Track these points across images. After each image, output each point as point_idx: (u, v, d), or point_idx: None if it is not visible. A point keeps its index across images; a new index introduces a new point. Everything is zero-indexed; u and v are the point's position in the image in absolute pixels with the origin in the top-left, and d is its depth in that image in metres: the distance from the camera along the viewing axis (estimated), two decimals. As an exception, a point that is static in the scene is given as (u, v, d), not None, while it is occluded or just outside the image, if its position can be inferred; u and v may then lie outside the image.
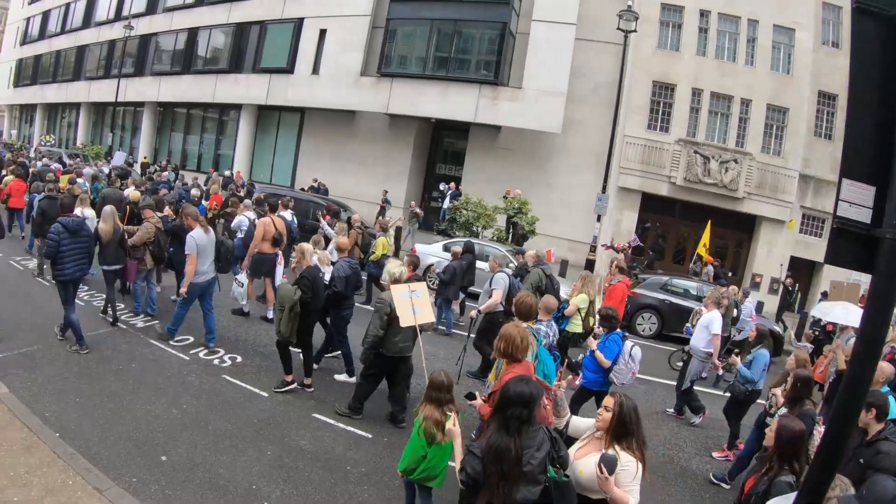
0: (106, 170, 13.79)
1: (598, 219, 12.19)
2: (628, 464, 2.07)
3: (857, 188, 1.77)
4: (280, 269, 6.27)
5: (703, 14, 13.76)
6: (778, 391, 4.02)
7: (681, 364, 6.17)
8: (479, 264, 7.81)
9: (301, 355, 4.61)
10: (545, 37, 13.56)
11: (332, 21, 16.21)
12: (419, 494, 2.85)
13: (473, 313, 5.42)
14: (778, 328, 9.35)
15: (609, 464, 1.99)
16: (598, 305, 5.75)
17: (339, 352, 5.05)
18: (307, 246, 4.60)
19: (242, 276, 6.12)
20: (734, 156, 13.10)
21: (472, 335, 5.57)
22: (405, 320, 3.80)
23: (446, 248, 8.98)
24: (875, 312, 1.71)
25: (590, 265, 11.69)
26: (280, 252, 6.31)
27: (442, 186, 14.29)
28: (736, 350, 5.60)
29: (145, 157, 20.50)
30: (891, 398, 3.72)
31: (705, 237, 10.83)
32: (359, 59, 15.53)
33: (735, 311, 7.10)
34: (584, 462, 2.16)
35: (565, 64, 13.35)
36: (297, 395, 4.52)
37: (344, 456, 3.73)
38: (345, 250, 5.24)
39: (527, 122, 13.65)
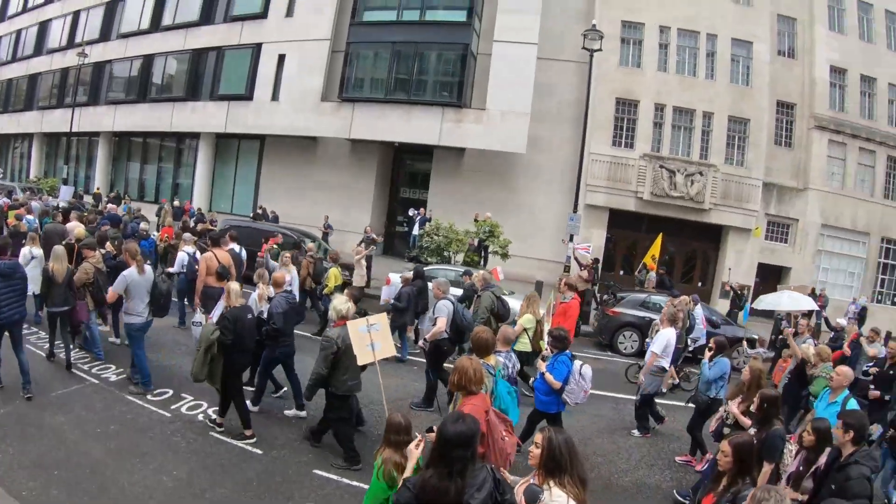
0: (54, 203, 12.88)
1: (571, 238, 11.94)
2: (558, 498, 1.97)
3: None
4: (221, 303, 5.89)
5: (663, 30, 13.94)
6: (732, 405, 3.96)
7: (637, 378, 6.16)
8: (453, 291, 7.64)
9: (233, 403, 4.32)
10: (507, 57, 13.43)
11: (290, 46, 15.79)
12: None
13: (421, 342, 5.53)
14: (754, 334, 9.17)
15: (530, 497, 1.94)
16: (546, 326, 5.71)
17: (285, 388, 4.97)
18: (234, 286, 4.41)
19: (199, 316, 5.73)
20: (699, 168, 13.13)
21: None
22: (363, 357, 3.64)
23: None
24: None
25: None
26: (225, 287, 5.99)
27: (411, 212, 13.88)
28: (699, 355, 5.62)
29: (98, 188, 19.45)
30: (853, 401, 3.83)
31: (654, 250, 10.80)
32: (319, 84, 15.10)
33: (688, 320, 7.10)
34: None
35: (528, 84, 13.22)
36: (292, 450, 4.22)
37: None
38: (281, 284, 4.99)
39: (491, 144, 13.41)
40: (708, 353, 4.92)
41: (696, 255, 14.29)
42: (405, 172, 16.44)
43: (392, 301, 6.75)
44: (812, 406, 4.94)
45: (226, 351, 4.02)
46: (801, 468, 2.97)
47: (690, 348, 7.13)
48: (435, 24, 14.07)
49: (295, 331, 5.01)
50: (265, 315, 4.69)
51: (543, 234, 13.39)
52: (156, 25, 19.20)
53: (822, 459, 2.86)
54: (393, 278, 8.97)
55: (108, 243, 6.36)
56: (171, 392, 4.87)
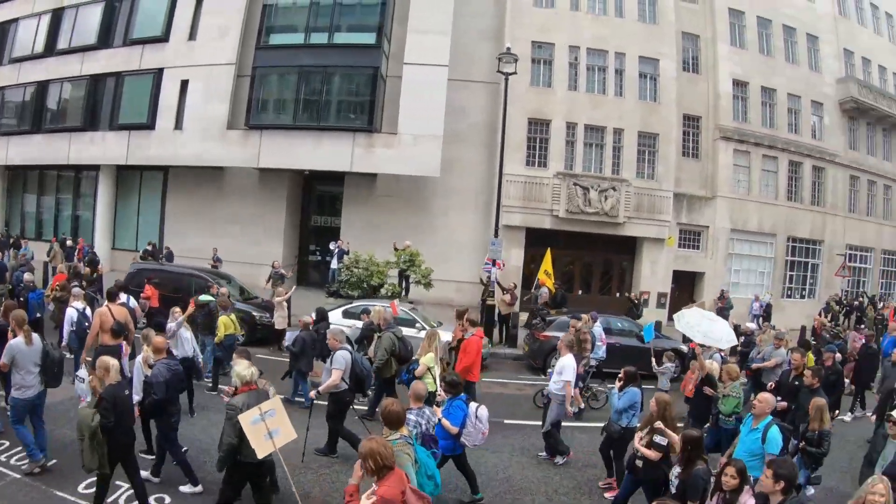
0: None
1: (494, 263, 11.67)
2: None
3: None
4: (125, 361, 5.51)
5: (573, 49, 14.17)
6: (637, 439, 4.03)
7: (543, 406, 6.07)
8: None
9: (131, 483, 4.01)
10: (417, 79, 13.12)
11: (194, 71, 14.79)
12: None
13: (313, 394, 5.26)
14: (683, 347, 9.16)
15: None
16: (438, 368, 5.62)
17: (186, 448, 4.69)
18: (110, 361, 3.98)
19: (83, 371, 5.17)
20: (612, 183, 13.34)
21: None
22: (262, 450, 3.48)
23: (347, 314, 8.67)
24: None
25: (489, 310, 11.01)
26: (125, 343, 5.65)
27: (332, 246, 13.21)
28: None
29: (-8, 227, 17.41)
30: (775, 428, 3.81)
31: (546, 265, 10.86)
32: (224, 111, 14.17)
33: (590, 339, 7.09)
34: None
35: (439, 106, 12.95)
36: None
37: None
38: (161, 350, 4.63)
39: (405, 168, 13.03)
40: (618, 384, 4.94)
41: (613, 267, 14.58)
42: (316, 200, 15.81)
43: (286, 345, 6.61)
44: (720, 422, 5.08)
45: (108, 433, 3.76)
46: None
47: (594, 366, 7.21)
48: (343, 47, 13.60)
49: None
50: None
51: (460, 255, 13.12)
52: (50, 49, 17.55)
53: (744, 499, 2.90)
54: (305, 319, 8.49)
55: None
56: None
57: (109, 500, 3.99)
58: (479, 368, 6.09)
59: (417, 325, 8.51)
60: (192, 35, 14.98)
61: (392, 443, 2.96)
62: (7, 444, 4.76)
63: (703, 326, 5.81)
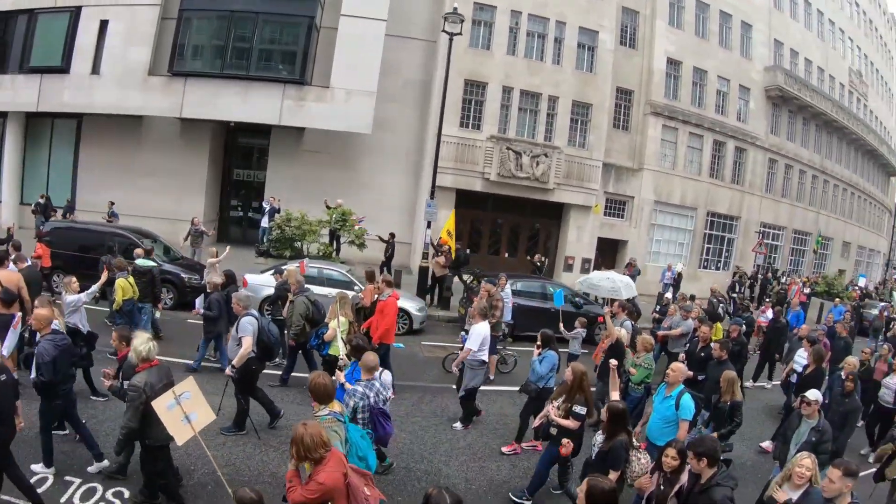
0: None
1: (429, 225, 11.73)
2: None
3: None
4: (14, 333, 4.75)
5: (514, 14, 14.16)
6: (552, 408, 4.01)
7: (457, 370, 6.02)
8: (321, 290, 7.23)
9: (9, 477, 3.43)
10: (354, 33, 12.72)
11: (115, 11, 13.57)
12: None
13: (228, 370, 4.74)
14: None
15: None
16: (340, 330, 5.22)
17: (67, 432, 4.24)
18: None
19: None
20: (544, 150, 13.68)
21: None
22: (181, 436, 3.22)
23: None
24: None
25: (423, 272, 11.12)
26: (17, 314, 4.85)
27: (264, 204, 12.74)
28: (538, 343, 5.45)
29: None
30: (687, 395, 3.89)
31: (449, 225, 10.95)
32: (146, 56, 13.18)
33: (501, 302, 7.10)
34: None
35: (375, 62, 12.68)
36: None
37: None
38: (47, 325, 3.92)
39: (336, 124, 12.72)
40: (536, 350, 4.93)
41: (539, 231, 15.02)
42: (239, 153, 15.11)
43: (202, 310, 6.14)
44: (629, 390, 5.18)
45: None
46: (662, 487, 3.00)
47: (505, 331, 7.28)
48: (277, -8, 12.96)
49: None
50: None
51: (390, 214, 13.08)
52: (-52, -20, 15.60)
53: (684, 478, 2.92)
54: (250, 280, 8.03)
55: None
56: (50, 478, 3.73)
57: (62, 499, 3.57)
58: (393, 329, 5.94)
59: (356, 287, 8.19)
60: (111, -30, 13.76)
61: (320, 419, 2.83)
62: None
63: (604, 284, 6.24)
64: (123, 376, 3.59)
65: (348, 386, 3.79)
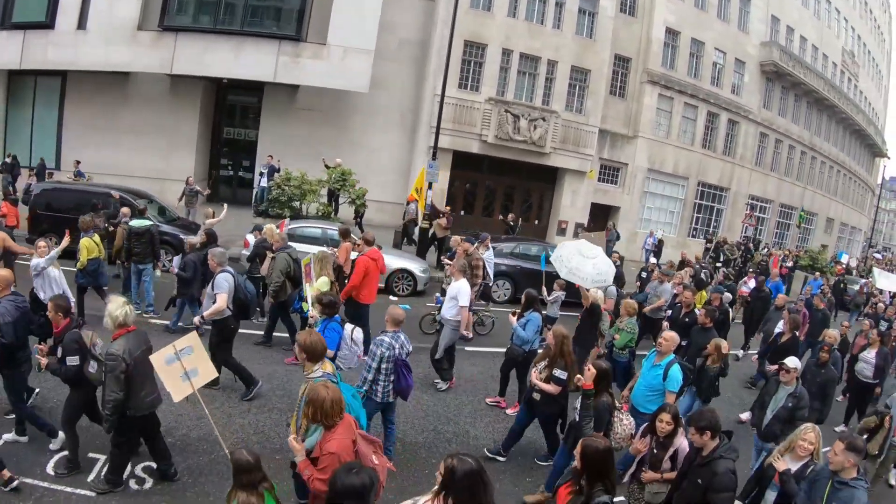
0: None
1: (430, 186, 11.71)
2: None
3: None
4: None
5: (515, -25, 13.94)
6: (535, 373, 3.92)
7: (434, 332, 5.94)
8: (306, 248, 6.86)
9: None
10: (351, -12, 12.44)
11: (99, -40, 13.03)
12: None
13: (197, 320, 4.61)
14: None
15: None
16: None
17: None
18: None
19: None
20: (542, 114, 13.71)
21: None
22: (179, 392, 3.09)
23: (289, 237, 7.75)
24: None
25: (423, 233, 11.13)
26: None
27: (262, 166, 12.45)
28: (513, 310, 5.38)
29: None
30: (676, 367, 3.82)
31: (419, 182, 10.99)
32: (135, 10, 12.67)
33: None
34: None
35: (373, 19, 12.41)
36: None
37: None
38: (7, 286, 3.68)
39: (332, 82, 12.50)
40: (513, 318, 4.80)
41: (533, 195, 15.21)
42: (229, 110, 14.76)
43: (176, 270, 5.92)
44: (613, 355, 5.15)
45: None
46: (654, 451, 2.99)
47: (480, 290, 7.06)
48: (271, -56, 12.53)
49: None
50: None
51: (384, 175, 13.04)
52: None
53: (678, 441, 2.93)
54: (250, 240, 7.57)
55: None
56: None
57: (90, 477, 3.34)
58: (372, 290, 5.66)
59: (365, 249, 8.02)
60: (95, -83, 13.10)
61: (314, 381, 2.74)
62: None
63: (571, 262, 5.56)
64: (64, 352, 3.24)
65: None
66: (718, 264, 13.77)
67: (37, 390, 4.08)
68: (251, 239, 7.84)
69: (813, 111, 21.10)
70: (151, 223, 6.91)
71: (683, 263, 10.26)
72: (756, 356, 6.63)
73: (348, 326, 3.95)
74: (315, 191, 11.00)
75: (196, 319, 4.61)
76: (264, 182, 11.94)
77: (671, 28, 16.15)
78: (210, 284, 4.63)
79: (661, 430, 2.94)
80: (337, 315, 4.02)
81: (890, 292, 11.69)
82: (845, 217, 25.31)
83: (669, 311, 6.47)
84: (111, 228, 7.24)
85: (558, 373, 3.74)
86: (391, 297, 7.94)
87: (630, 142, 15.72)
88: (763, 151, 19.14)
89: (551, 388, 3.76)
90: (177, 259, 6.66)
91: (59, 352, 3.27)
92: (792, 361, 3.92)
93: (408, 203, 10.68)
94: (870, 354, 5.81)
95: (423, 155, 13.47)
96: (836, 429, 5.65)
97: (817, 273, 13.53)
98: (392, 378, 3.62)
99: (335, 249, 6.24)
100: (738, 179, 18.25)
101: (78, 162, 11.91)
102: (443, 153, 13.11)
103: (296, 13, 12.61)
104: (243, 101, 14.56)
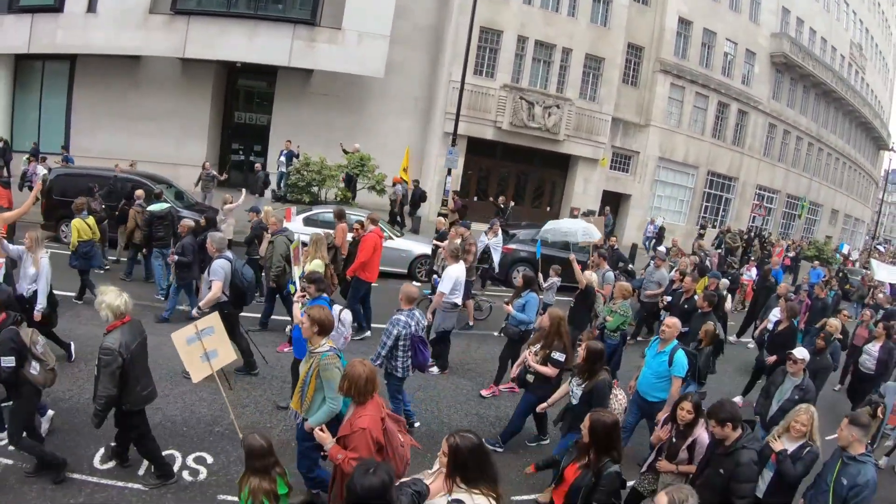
0: None
1: (449, 172, 11.71)
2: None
3: None
4: None
5: (530, -38, 13.82)
6: (530, 354, 3.86)
7: (431, 316, 5.81)
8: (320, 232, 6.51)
9: None
10: (366, -27, 12.32)
11: (108, -58, 12.82)
12: None
13: (195, 311, 4.55)
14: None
15: None
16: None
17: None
18: None
19: None
20: (556, 101, 13.68)
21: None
22: (199, 373, 3.04)
23: (309, 221, 7.87)
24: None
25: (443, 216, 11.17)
26: None
27: (282, 152, 12.28)
28: (506, 300, 5.41)
29: None
30: (681, 352, 3.79)
31: (405, 162, 11.04)
32: (146, -8, 12.59)
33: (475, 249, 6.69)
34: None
35: (389, 4, 12.32)
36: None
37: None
38: None
39: (348, 67, 12.44)
40: (508, 306, 4.72)
41: (545, 182, 15.25)
42: (240, 95, 14.66)
43: (175, 257, 5.74)
44: (605, 337, 5.07)
45: None
46: (673, 440, 2.97)
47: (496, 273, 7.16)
48: (284, -75, 12.36)
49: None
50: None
51: (397, 160, 12.74)
52: None
53: (697, 432, 2.91)
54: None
55: None
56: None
57: (140, 471, 3.24)
58: (375, 268, 5.71)
59: (385, 233, 7.61)
60: None
61: (321, 356, 2.74)
62: None
63: (562, 226, 6.02)
64: None
65: (298, 317, 3.53)
66: (719, 249, 13.78)
67: None
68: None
69: (821, 103, 21.12)
70: (170, 205, 6.90)
71: (674, 249, 10.14)
72: (751, 343, 6.58)
73: (336, 307, 3.80)
74: (335, 176, 10.93)
75: (194, 311, 4.52)
76: (283, 167, 11.89)
77: (684, 18, 16.07)
78: (207, 270, 4.51)
79: (681, 417, 2.91)
80: (326, 295, 3.90)
81: (891, 283, 11.74)
82: (849, 209, 25.47)
83: (669, 297, 6.46)
84: (115, 212, 7.19)
85: (557, 355, 3.69)
86: (414, 283, 7.94)
87: (642, 130, 15.73)
88: (771, 142, 19.18)
89: (549, 370, 3.69)
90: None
91: None
92: (800, 352, 3.87)
93: (394, 184, 10.60)
94: (874, 347, 5.76)
95: (438, 140, 13.46)
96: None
97: (816, 262, 13.56)
98: (410, 354, 3.71)
99: (330, 231, 6.19)
100: (746, 169, 18.31)
101: (64, 148, 11.66)
102: (458, 139, 13.13)
103: (310, -3, 12.50)
104: (256, 86, 14.49)
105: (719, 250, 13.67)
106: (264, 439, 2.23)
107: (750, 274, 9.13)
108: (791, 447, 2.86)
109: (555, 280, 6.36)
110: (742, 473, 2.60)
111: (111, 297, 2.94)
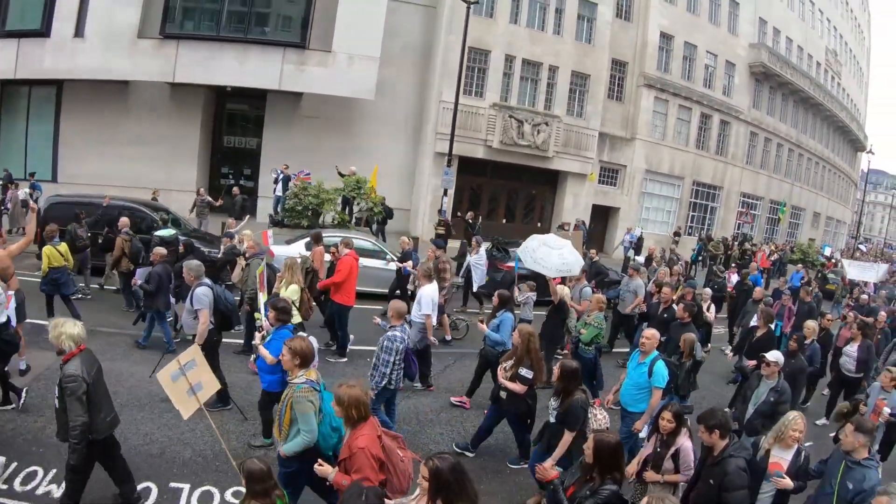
0: None
1: (445, 192, 11.86)
2: None
3: None
4: (5, 312, 4.33)
5: (517, -18, 14.13)
6: (501, 371, 3.91)
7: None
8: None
9: None
10: (355, -6, 12.48)
11: (95, -34, 12.81)
12: None
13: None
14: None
15: None
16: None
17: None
18: None
19: None
20: (545, 118, 13.99)
21: None
22: (187, 408, 3.03)
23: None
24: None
25: (441, 238, 11.28)
26: (9, 292, 4.40)
27: (273, 173, 12.35)
28: (480, 318, 5.49)
29: None
30: (660, 363, 3.83)
31: (373, 181, 11.23)
32: (135, 17, 12.51)
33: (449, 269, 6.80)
34: None
35: (378, 26, 12.49)
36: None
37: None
38: None
39: (338, 89, 12.55)
40: (482, 325, 4.79)
41: (536, 198, 15.57)
42: (229, 119, 14.71)
43: (139, 282, 5.66)
44: (579, 351, 5.14)
45: None
46: (658, 450, 3.01)
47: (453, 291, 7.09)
48: (273, -50, 12.49)
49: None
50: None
51: (388, 180, 13.02)
52: None
53: (680, 441, 2.95)
54: (276, 251, 7.31)
55: None
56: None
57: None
58: (353, 291, 5.74)
59: (388, 256, 7.76)
60: (90, -78, 12.86)
61: (296, 388, 2.72)
62: None
63: (537, 253, 5.56)
64: None
65: (262, 350, 3.64)
66: (700, 257, 14.11)
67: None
68: (276, 250, 7.54)
69: (799, 110, 21.83)
70: (176, 232, 6.97)
71: (650, 259, 10.45)
72: (730, 351, 6.61)
73: (301, 334, 3.75)
74: (333, 199, 10.94)
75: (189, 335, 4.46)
76: (279, 191, 11.83)
77: (665, 32, 16.56)
78: (188, 299, 4.45)
79: (662, 427, 2.96)
80: (290, 323, 3.94)
81: (873, 283, 12.10)
82: (831, 211, 26.26)
83: (644, 307, 6.54)
84: (100, 239, 7.20)
85: (524, 371, 3.74)
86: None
87: (628, 144, 16.13)
88: (753, 150, 19.77)
89: (517, 386, 3.75)
90: (140, 271, 6.38)
91: None
92: (773, 355, 3.92)
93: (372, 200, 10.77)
94: (852, 348, 5.75)
95: (429, 160, 13.65)
96: (818, 422, 5.61)
97: (799, 265, 13.95)
98: (402, 366, 3.89)
99: (305, 255, 6.20)
100: (730, 178, 18.84)
101: (32, 174, 11.41)
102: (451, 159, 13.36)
103: (300, 20, 12.60)
104: (245, 110, 14.51)
105: (700, 258, 14.07)
106: (263, 463, 2.29)
107: (730, 281, 9.28)
108: (787, 456, 2.90)
109: (530, 295, 6.28)
110: (731, 482, 2.61)
111: (69, 326, 2.95)
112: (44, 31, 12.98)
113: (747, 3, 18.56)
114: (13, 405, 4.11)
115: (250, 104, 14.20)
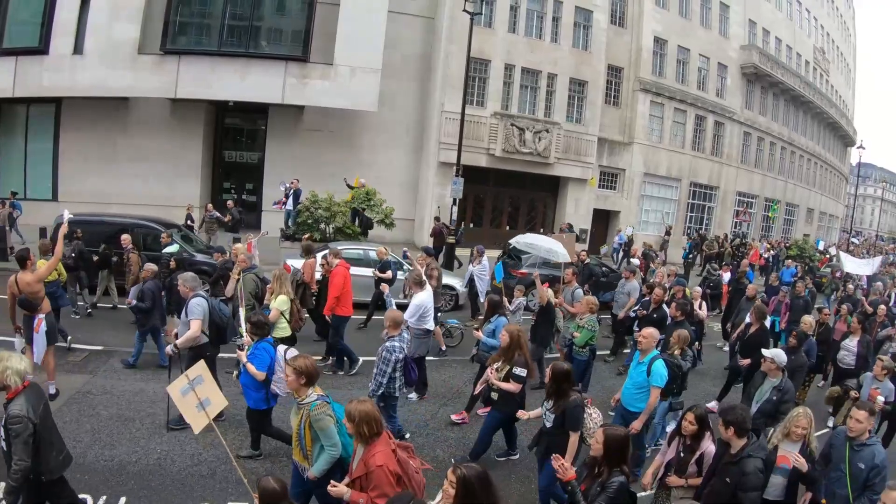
0: None
1: (455, 202, 11.92)
2: None
3: None
4: (39, 336, 4.53)
5: (515, -8, 14.31)
6: (491, 372, 3.89)
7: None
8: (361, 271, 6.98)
9: None
10: (357, 6, 12.54)
11: (94, -17, 12.78)
12: None
13: (169, 349, 4.45)
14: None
15: None
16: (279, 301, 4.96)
17: None
18: None
19: (18, 342, 4.57)
20: (545, 126, 14.18)
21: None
22: (198, 424, 2.98)
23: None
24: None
25: (450, 249, 11.38)
26: (39, 316, 4.53)
27: (282, 186, 12.26)
28: (475, 325, 5.52)
29: None
30: (659, 362, 3.81)
31: (355, 188, 11.39)
32: (135, 33, 12.51)
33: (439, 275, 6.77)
34: None
35: (378, 37, 12.62)
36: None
37: None
38: None
39: (341, 102, 12.66)
40: (478, 332, 4.82)
41: (537, 204, 15.79)
42: (230, 133, 14.74)
43: (133, 302, 5.58)
44: (573, 354, 5.16)
45: None
46: (682, 454, 2.96)
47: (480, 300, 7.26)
48: (273, -36, 12.56)
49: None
50: None
51: (391, 191, 12.95)
52: None
53: (705, 445, 2.90)
54: (292, 265, 7.10)
55: None
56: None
57: None
58: (349, 300, 5.74)
59: (405, 266, 7.86)
60: (88, -61, 12.83)
61: (310, 406, 2.67)
62: None
63: (527, 239, 6.16)
64: None
65: (250, 366, 3.63)
66: (690, 255, 14.29)
67: None
68: (292, 263, 7.40)
69: (790, 108, 22.27)
70: (180, 247, 7.01)
71: (630, 256, 10.53)
72: (726, 347, 6.66)
73: (281, 347, 3.75)
74: (344, 212, 10.97)
75: (169, 349, 4.44)
76: (290, 205, 11.74)
77: (659, 37, 16.85)
78: (183, 311, 4.44)
79: (685, 429, 2.90)
80: (269, 336, 3.94)
81: (866, 276, 12.31)
82: (823, 206, 26.76)
83: (638, 307, 6.56)
84: (95, 257, 7.06)
85: (517, 370, 3.71)
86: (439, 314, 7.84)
87: (626, 148, 16.38)
88: (747, 149, 20.13)
89: (511, 386, 3.71)
90: (133, 289, 6.29)
91: None
92: (774, 354, 3.92)
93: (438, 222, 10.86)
94: (851, 343, 5.71)
95: (432, 170, 13.77)
96: (829, 424, 5.39)
97: (789, 261, 14.01)
98: (402, 375, 3.95)
99: (297, 268, 6.18)
100: (725, 178, 19.18)
101: (14, 193, 11.20)
102: (452, 168, 13.48)
103: (301, 34, 12.68)
104: (247, 124, 14.54)
105: (690, 256, 14.27)
106: (277, 482, 2.20)
107: (724, 278, 9.31)
108: (795, 449, 2.91)
109: (521, 300, 6.30)
110: (748, 482, 2.60)
111: (15, 361, 2.73)
112: (42, 49, 12.92)
113: (737, 6, 18.94)
114: None
115: (252, 118, 14.24)
